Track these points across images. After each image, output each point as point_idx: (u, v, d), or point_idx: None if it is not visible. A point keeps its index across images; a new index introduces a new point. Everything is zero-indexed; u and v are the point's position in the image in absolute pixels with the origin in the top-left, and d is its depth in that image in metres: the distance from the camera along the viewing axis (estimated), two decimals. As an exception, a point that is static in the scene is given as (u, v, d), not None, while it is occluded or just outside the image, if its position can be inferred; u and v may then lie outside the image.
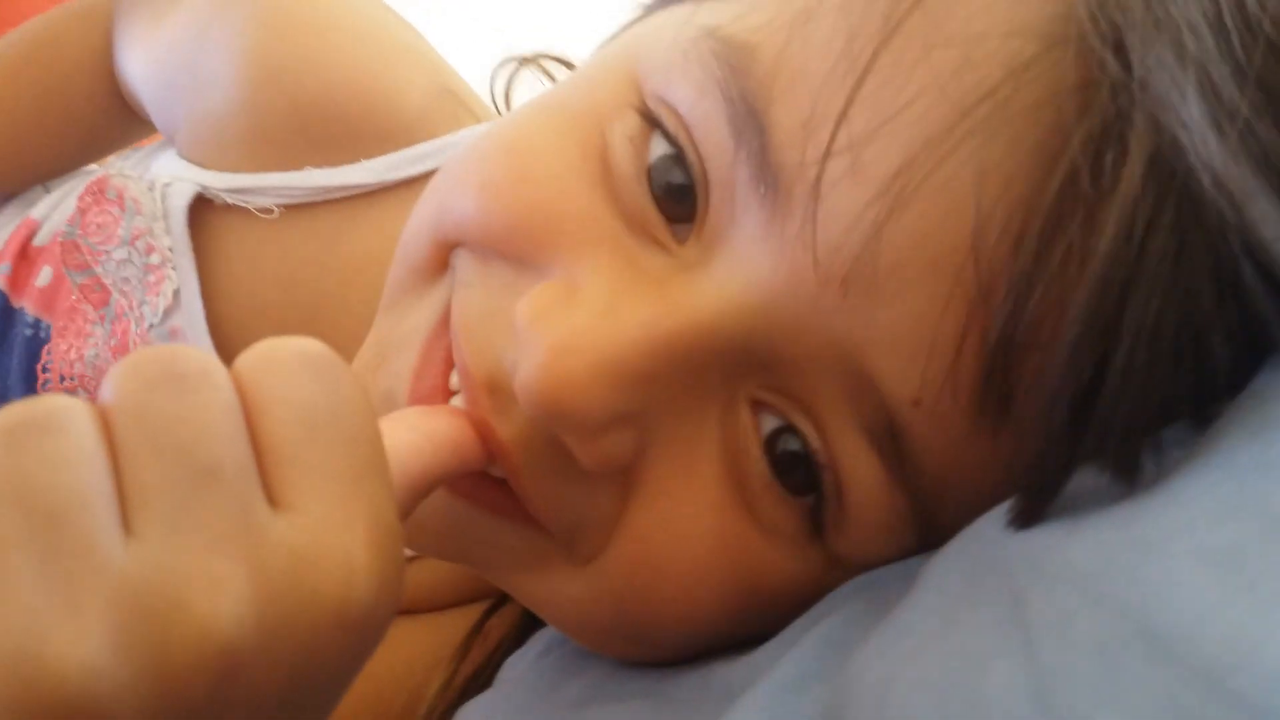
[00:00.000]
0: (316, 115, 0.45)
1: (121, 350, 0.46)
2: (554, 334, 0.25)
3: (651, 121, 0.28)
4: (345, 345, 0.40)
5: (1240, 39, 0.21)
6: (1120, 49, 0.22)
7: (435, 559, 0.42)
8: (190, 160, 0.47)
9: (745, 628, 0.29)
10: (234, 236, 0.46)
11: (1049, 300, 0.22)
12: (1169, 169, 0.21)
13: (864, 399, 0.25)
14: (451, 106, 0.47)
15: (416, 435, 0.25)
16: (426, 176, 0.44)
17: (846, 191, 0.24)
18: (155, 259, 0.46)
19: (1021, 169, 0.23)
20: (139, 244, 0.46)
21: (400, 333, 0.31)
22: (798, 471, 0.27)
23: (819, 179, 0.24)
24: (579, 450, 0.26)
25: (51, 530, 0.18)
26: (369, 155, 0.45)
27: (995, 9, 0.24)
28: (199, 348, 0.42)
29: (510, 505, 0.29)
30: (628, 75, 0.29)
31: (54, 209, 0.54)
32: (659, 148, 0.28)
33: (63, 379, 0.47)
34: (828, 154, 0.24)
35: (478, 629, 0.41)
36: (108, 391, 0.20)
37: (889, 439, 0.25)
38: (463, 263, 0.30)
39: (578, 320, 0.26)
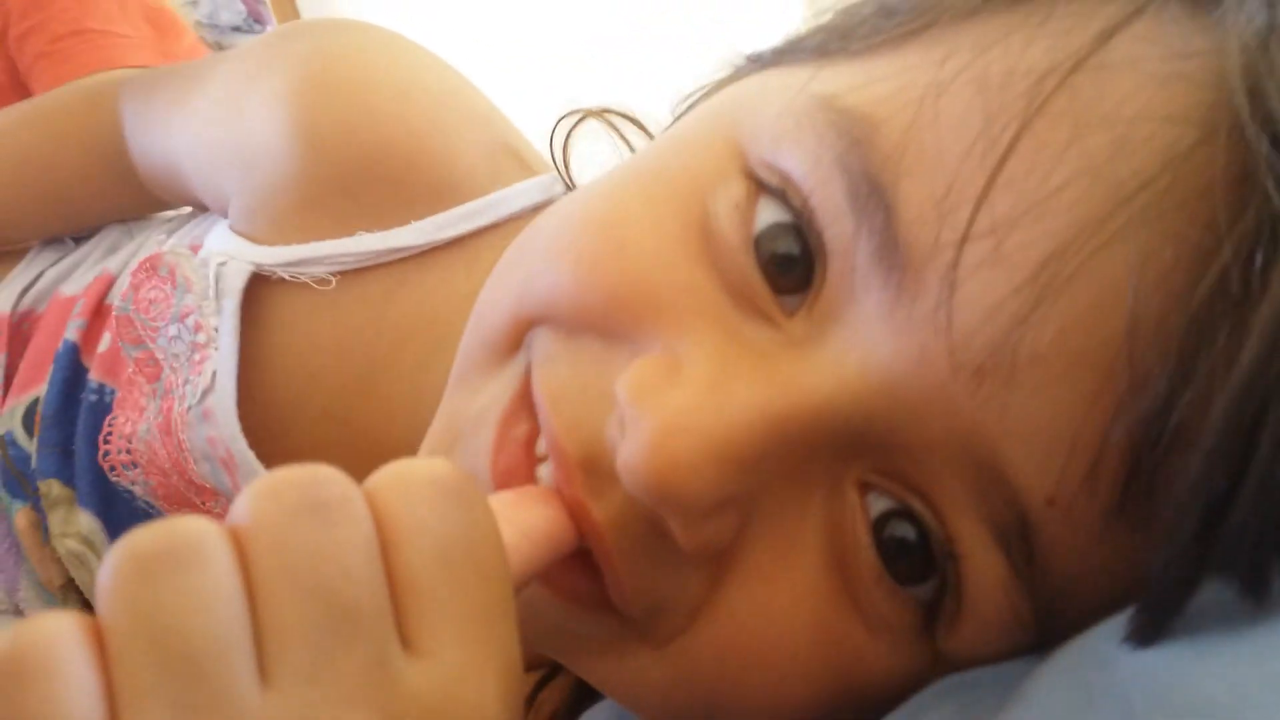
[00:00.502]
0: (365, 180, 0.45)
1: (166, 429, 0.46)
2: (661, 412, 0.24)
3: (763, 188, 0.27)
4: (399, 410, 0.40)
5: None
6: (1276, 142, 0.21)
7: None
8: (243, 235, 0.47)
9: (833, 717, 0.28)
10: (288, 309, 0.46)
11: (1195, 403, 0.21)
12: None
13: (993, 493, 0.24)
14: (502, 160, 0.47)
15: (513, 531, 0.24)
16: (477, 234, 0.44)
17: (988, 277, 0.23)
18: (201, 338, 0.45)
19: (1178, 263, 0.22)
20: (188, 321, 0.46)
21: (475, 409, 0.30)
22: (909, 559, 0.26)
23: (956, 262, 0.23)
24: (682, 534, 0.25)
25: (189, 678, 0.18)
26: (419, 215, 0.45)
27: (1147, 93, 0.23)
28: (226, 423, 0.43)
29: (586, 590, 0.28)
30: (728, 141, 0.28)
31: (129, 261, 0.55)
32: (767, 215, 0.27)
33: (121, 451, 0.47)
34: (966, 237, 0.23)
35: (530, 700, 0.40)
36: (244, 514, 0.20)
37: (1018, 537, 0.24)
38: (542, 339, 0.29)
39: (685, 398, 0.25)
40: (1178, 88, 0.23)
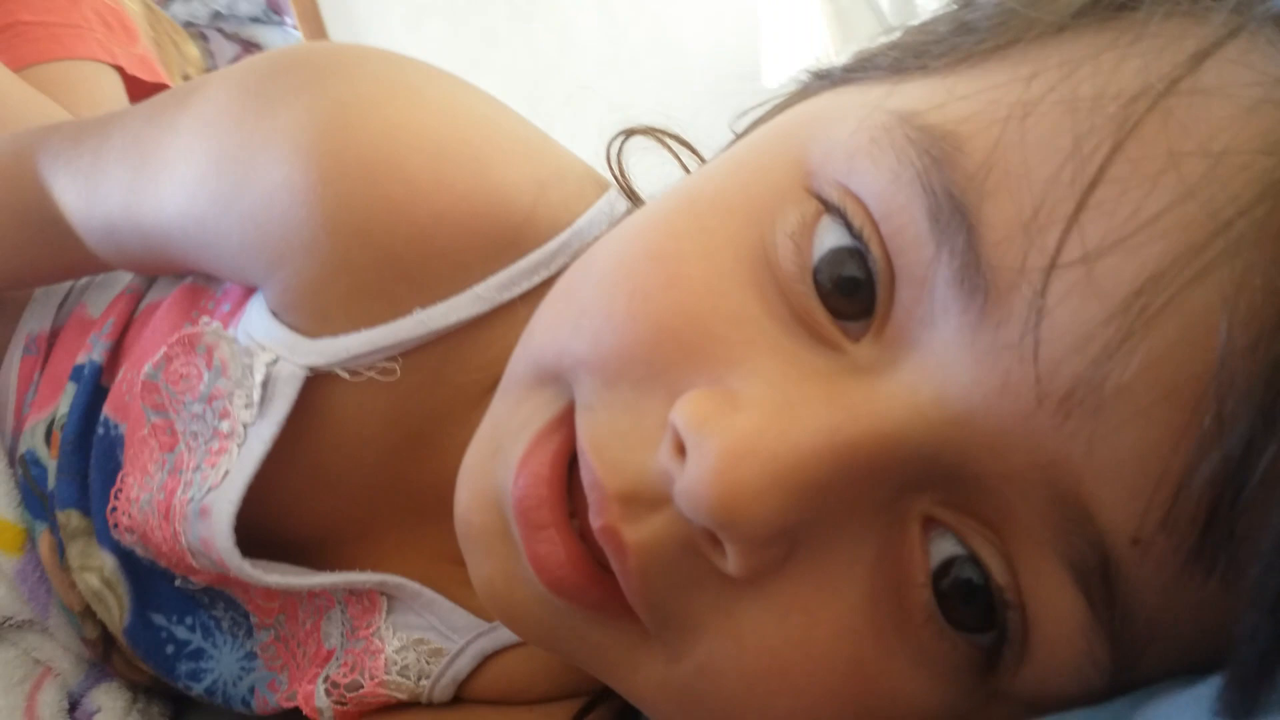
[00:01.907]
0: (415, 259, 0.39)
1: (164, 510, 0.42)
2: (727, 436, 0.24)
3: (832, 210, 0.26)
4: (454, 452, 0.39)
5: None
6: None
7: (534, 648, 0.41)
8: (289, 324, 0.41)
9: None
10: (340, 401, 0.41)
11: None
12: None
13: (1075, 530, 0.23)
14: (558, 192, 0.41)
15: None
16: (544, 286, 0.40)
17: (1078, 305, 0.22)
18: (226, 427, 0.41)
19: (1271, 298, 0.21)
20: (215, 405, 0.41)
21: (515, 425, 0.30)
22: (972, 605, 0.25)
23: (1045, 288, 0.22)
24: (738, 559, 0.25)
25: None
26: (480, 277, 0.40)
27: (1242, 119, 0.22)
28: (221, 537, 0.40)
29: (605, 599, 0.28)
30: (792, 163, 0.28)
31: (152, 284, 0.52)
32: (830, 239, 0.26)
33: (125, 514, 0.44)
34: (1055, 262, 0.22)
35: None
36: None
37: (1099, 578, 0.23)
38: (582, 385, 0.28)
39: (750, 422, 0.24)
40: (1271, 114, 0.22)
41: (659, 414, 0.26)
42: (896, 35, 0.32)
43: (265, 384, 0.40)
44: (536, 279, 0.40)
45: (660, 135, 0.44)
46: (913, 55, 0.29)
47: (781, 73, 1.71)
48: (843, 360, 0.26)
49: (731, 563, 0.25)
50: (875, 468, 0.24)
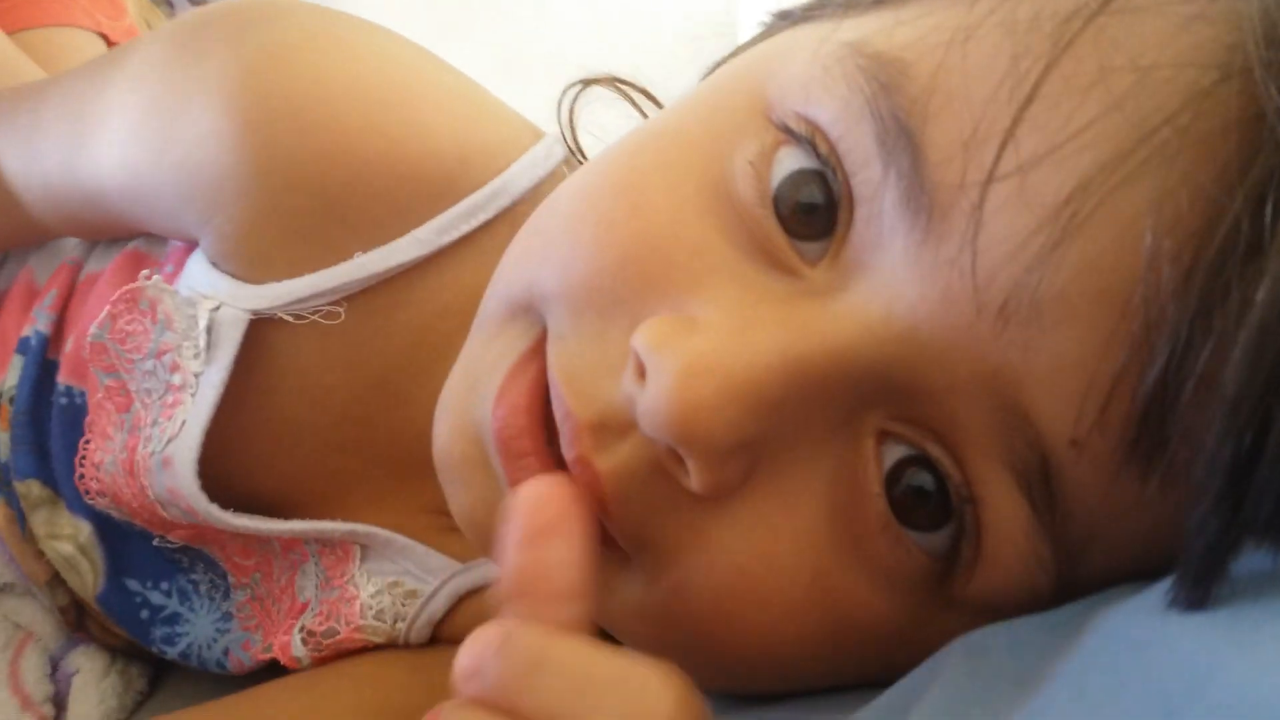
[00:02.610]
0: (349, 202, 0.40)
1: (129, 469, 0.43)
2: (683, 355, 0.25)
3: (790, 136, 0.27)
4: (420, 402, 0.39)
5: None
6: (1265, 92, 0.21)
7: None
8: (229, 273, 0.42)
9: (834, 665, 0.29)
10: (289, 346, 0.42)
11: (1215, 349, 0.21)
12: None
13: (1015, 435, 0.24)
14: (492, 136, 0.42)
15: (568, 551, 0.25)
16: (483, 230, 0.41)
17: (1012, 216, 0.23)
18: (177, 379, 0.41)
19: (1194, 206, 0.22)
20: (165, 359, 0.42)
21: (490, 358, 0.30)
22: (925, 507, 0.26)
23: (982, 202, 0.23)
24: (700, 474, 0.25)
25: None
26: (417, 221, 0.40)
27: (1170, 34, 0.23)
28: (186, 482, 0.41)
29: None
30: (752, 96, 0.28)
31: (93, 249, 0.52)
32: (789, 164, 0.27)
33: (93, 479, 0.44)
34: (992, 176, 0.23)
35: None
36: None
37: (1040, 480, 0.24)
38: (554, 315, 0.29)
39: (706, 342, 0.25)
40: (1201, 30, 0.23)
41: (623, 342, 0.27)
42: None
43: (210, 330, 0.41)
44: (475, 222, 0.41)
45: (621, 85, 0.45)
46: None
47: (757, 19, 1.69)
48: (799, 284, 0.26)
49: (694, 478, 0.25)
50: (828, 384, 0.25)
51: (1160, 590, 0.21)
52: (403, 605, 0.44)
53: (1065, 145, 0.23)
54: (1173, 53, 0.23)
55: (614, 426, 0.27)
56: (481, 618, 0.44)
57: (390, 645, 0.45)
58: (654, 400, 0.25)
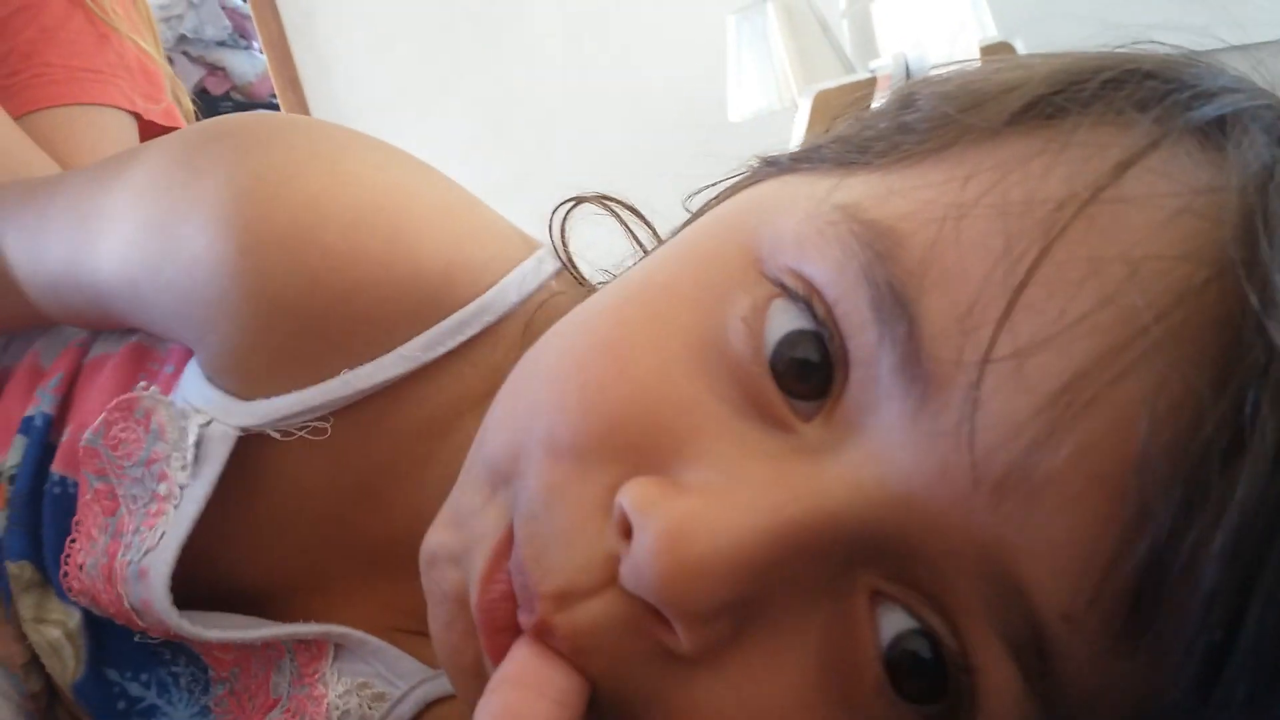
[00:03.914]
0: (336, 325, 0.41)
1: (107, 572, 0.43)
2: (671, 517, 0.25)
3: (785, 293, 0.27)
4: (400, 507, 0.39)
5: None
6: (1265, 287, 0.23)
7: None
8: (221, 389, 0.42)
9: None
10: (275, 461, 0.43)
11: (1196, 542, 0.22)
12: None
13: (1010, 607, 0.24)
14: (480, 250, 0.43)
15: (550, 710, 0.25)
16: (470, 344, 0.42)
17: (1010, 398, 0.24)
18: (163, 489, 0.42)
19: (1188, 398, 0.23)
20: (154, 468, 0.42)
21: (476, 530, 0.30)
22: (921, 677, 0.26)
23: (979, 381, 0.24)
24: (687, 636, 0.25)
25: None
26: (404, 338, 0.41)
27: (1161, 227, 0.24)
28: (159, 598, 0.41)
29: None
30: (743, 248, 0.29)
31: (98, 336, 0.52)
32: (783, 323, 0.27)
33: (75, 579, 0.45)
34: (988, 357, 0.24)
35: None
36: None
37: (1034, 653, 0.24)
38: (529, 482, 0.29)
39: (695, 503, 0.25)
40: (1189, 223, 0.24)
41: (604, 497, 0.27)
42: (840, 127, 0.34)
43: (198, 444, 0.41)
44: (461, 337, 0.41)
45: (610, 204, 0.45)
46: (856, 149, 0.31)
47: (746, 108, 1.73)
48: (792, 441, 0.27)
49: (682, 639, 0.25)
50: (819, 545, 0.25)
51: None
52: (369, 708, 0.44)
53: (1061, 335, 0.23)
54: (1162, 246, 0.24)
55: (581, 590, 0.26)
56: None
57: None
58: (640, 560, 0.25)
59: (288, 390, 0.41)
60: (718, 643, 0.26)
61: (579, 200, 0.45)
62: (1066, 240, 0.24)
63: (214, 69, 1.85)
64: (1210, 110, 0.26)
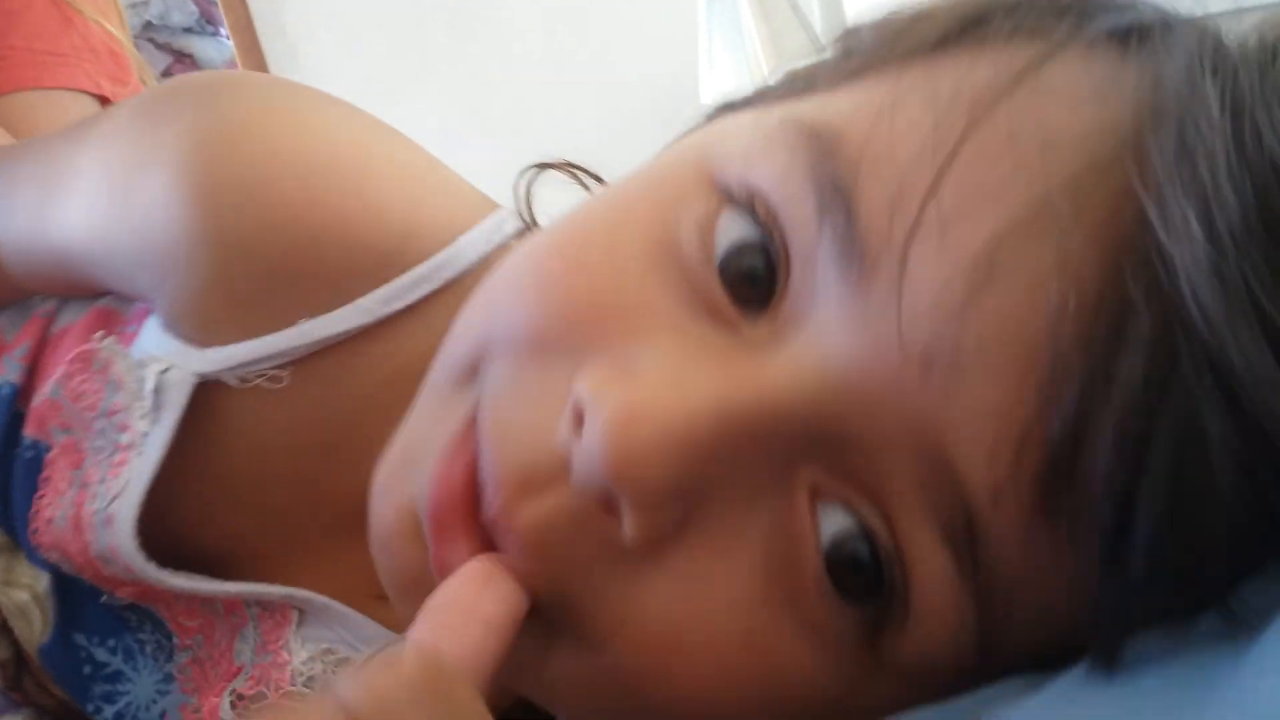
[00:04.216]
0: (294, 272, 0.41)
1: (75, 522, 0.43)
2: (621, 402, 0.25)
3: (730, 201, 0.28)
4: (365, 465, 0.39)
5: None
6: (1149, 179, 0.24)
7: None
8: (179, 337, 0.43)
9: None
10: (235, 410, 0.43)
11: (1097, 416, 0.23)
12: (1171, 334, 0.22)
13: (942, 489, 0.25)
14: (441, 209, 0.44)
15: (477, 629, 0.26)
16: (429, 300, 0.42)
17: (933, 268, 0.25)
18: (125, 439, 0.42)
19: (1095, 265, 0.24)
20: (115, 419, 0.43)
21: (429, 430, 0.31)
22: (859, 576, 0.26)
23: (906, 254, 0.25)
24: (634, 520, 0.26)
25: None
26: (363, 290, 0.41)
27: (1076, 110, 0.26)
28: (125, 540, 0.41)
29: None
30: (697, 167, 0.30)
31: (64, 306, 0.52)
32: (731, 233, 0.28)
33: (43, 533, 0.45)
34: (915, 227, 0.25)
35: None
36: None
37: (965, 537, 0.25)
38: (495, 373, 0.30)
39: (645, 389, 0.26)
40: (1099, 112, 0.26)
41: (561, 392, 0.27)
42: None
43: (156, 391, 0.42)
44: (420, 292, 0.42)
45: (574, 170, 0.46)
46: (803, 81, 0.33)
47: (717, 89, 1.73)
48: (738, 338, 0.27)
49: (627, 525, 0.26)
50: (762, 433, 0.26)
51: (1047, 695, 0.23)
52: (334, 674, 0.44)
53: (978, 205, 0.25)
54: (1075, 129, 0.25)
55: (541, 479, 0.27)
56: None
57: None
58: (590, 444, 0.25)
59: (245, 337, 0.42)
60: (663, 536, 0.26)
61: (545, 166, 0.45)
62: (989, 122, 0.25)
63: (181, 55, 1.83)
64: (1127, 17, 0.28)
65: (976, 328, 0.24)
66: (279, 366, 0.42)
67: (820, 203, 0.26)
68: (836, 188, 0.26)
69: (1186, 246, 0.22)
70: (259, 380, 0.42)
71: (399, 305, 0.41)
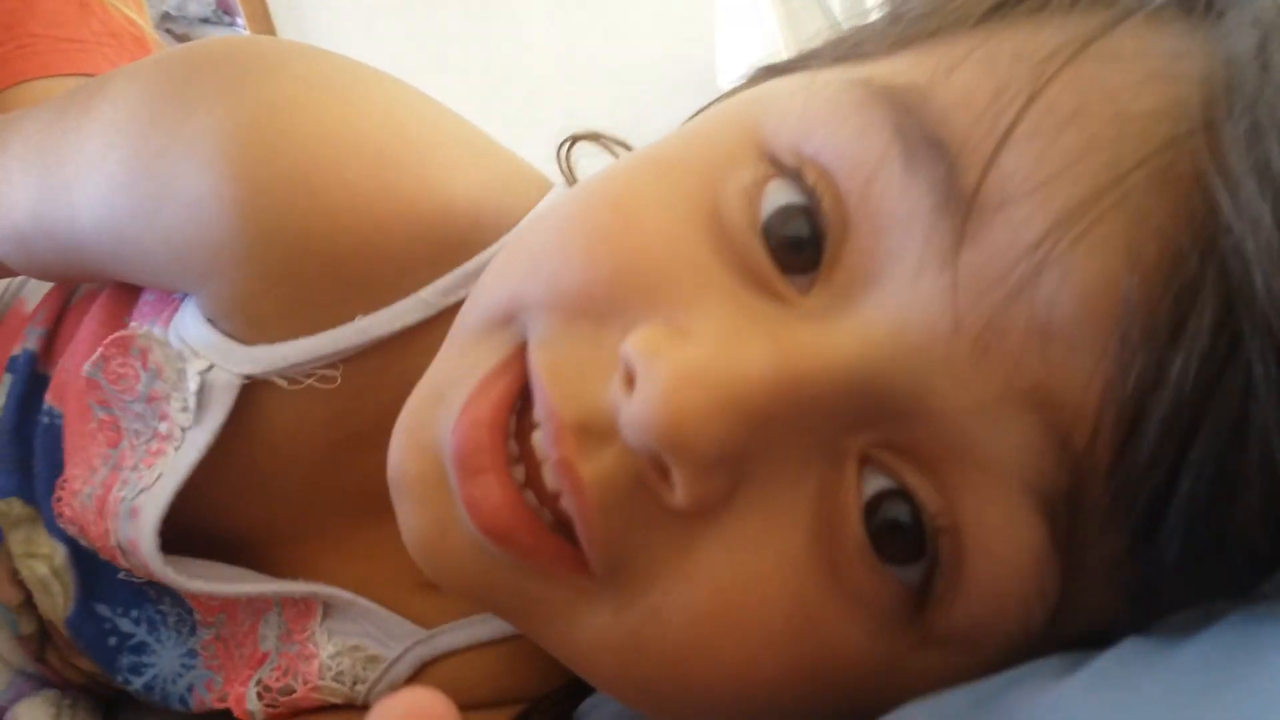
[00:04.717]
0: (358, 266, 0.37)
1: (100, 505, 0.41)
2: (675, 364, 0.25)
3: (786, 172, 0.28)
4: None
5: None
6: (1220, 158, 0.23)
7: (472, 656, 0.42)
8: (224, 332, 0.40)
9: (809, 706, 0.28)
10: (278, 407, 0.40)
11: (1151, 401, 0.22)
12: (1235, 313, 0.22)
13: (1047, 456, 0.24)
14: (505, 196, 0.40)
15: None
16: None
17: (1037, 224, 0.24)
18: (164, 428, 0.40)
19: (1161, 251, 0.23)
20: (154, 406, 0.40)
21: (461, 369, 0.30)
22: (901, 541, 0.26)
23: (1021, 216, 0.24)
24: (685, 485, 0.25)
25: None
26: (424, 281, 0.38)
27: (1144, 83, 0.25)
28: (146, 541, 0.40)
29: (553, 548, 0.28)
30: (747, 132, 0.29)
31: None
32: (778, 198, 0.27)
33: (68, 506, 0.43)
34: (1030, 189, 0.24)
35: None
36: None
37: (1065, 505, 0.24)
38: (539, 322, 0.29)
39: (699, 352, 0.25)
40: (1170, 83, 0.25)
41: (614, 348, 0.27)
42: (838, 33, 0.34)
43: (200, 392, 0.39)
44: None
45: (606, 141, 0.45)
46: (851, 45, 0.32)
47: (736, 74, 1.72)
48: (791, 309, 0.27)
49: (678, 490, 0.25)
50: (818, 401, 0.25)
51: (1075, 684, 0.22)
52: (363, 669, 0.43)
53: (1048, 182, 0.24)
54: (1146, 99, 0.24)
55: (597, 431, 0.26)
56: (442, 685, 0.44)
57: (348, 706, 0.44)
58: (642, 406, 0.25)
59: (296, 336, 0.38)
60: (714, 500, 0.26)
61: (575, 139, 0.45)
62: (1054, 88, 0.24)
63: (198, 46, 1.83)
64: None
65: (1065, 302, 0.23)
66: (330, 365, 0.39)
67: (909, 160, 0.25)
68: (932, 140, 0.25)
69: (1258, 233, 0.22)
70: (310, 381, 0.39)
71: (459, 296, 0.38)
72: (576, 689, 0.42)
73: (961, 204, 0.24)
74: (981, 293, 0.24)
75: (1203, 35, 0.26)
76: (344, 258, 0.37)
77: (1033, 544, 0.24)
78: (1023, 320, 0.24)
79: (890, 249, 0.26)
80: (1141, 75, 0.25)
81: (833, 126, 0.27)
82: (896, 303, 0.25)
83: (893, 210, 0.26)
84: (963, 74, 0.26)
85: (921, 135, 0.25)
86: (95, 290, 0.49)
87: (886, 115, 0.26)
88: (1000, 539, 0.25)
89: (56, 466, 0.44)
